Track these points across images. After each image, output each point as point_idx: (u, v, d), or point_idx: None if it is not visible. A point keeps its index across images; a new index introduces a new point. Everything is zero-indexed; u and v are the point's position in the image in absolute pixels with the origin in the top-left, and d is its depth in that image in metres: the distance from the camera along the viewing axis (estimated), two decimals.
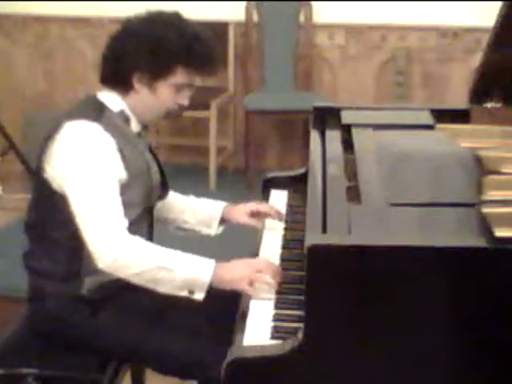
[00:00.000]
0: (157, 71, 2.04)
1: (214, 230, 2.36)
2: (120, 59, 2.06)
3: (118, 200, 1.99)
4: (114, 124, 2.06)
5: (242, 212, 2.34)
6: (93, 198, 1.96)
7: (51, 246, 2.08)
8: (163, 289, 1.96)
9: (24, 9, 5.20)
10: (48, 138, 2.06)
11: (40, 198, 2.11)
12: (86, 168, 1.97)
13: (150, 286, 1.96)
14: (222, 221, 2.36)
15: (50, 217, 2.07)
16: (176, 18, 2.09)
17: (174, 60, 2.04)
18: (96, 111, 2.05)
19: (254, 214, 2.34)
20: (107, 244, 1.93)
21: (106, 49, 2.11)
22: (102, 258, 1.94)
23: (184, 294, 1.96)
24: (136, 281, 1.96)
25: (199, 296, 1.96)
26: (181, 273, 1.94)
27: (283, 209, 2.43)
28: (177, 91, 2.08)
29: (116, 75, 2.08)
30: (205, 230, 2.36)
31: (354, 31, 4.95)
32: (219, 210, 2.36)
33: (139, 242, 1.97)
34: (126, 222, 1.98)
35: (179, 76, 2.06)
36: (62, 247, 2.06)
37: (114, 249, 1.93)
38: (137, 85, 2.07)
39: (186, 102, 2.12)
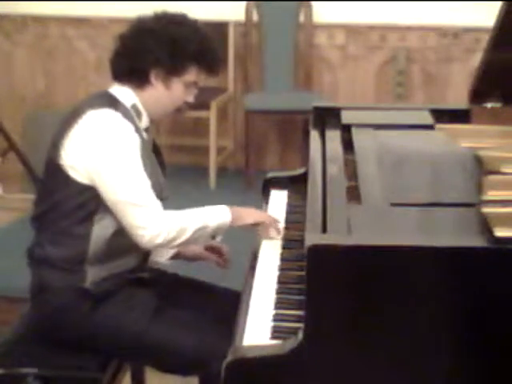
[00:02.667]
0: (174, 69, 2.11)
1: (165, 257, 2.34)
2: (139, 55, 2.11)
3: (148, 182, 2.06)
4: (128, 117, 2.10)
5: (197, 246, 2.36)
6: (135, 184, 2.03)
7: (58, 233, 2.10)
8: (198, 242, 2.18)
9: (24, 9, 5.20)
10: (66, 125, 2.08)
11: (51, 186, 2.12)
12: (121, 155, 2.03)
13: (188, 243, 2.14)
14: (177, 254, 2.36)
15: (59, 204, 2.09)
16: (186, 18, 2.17)
17: (191, 58, 2.11)
18: (112, 103, 2.10)
19: (209, 249, 2.37)
20: (158, 225, 2.02)
21: (121, 45, 2.15)
22: (152, 239, 2.02)
23: (208, 240, 2.21)
24: (177, 247, 2.19)
25: (219, 238, 2.24)
26: (212, 224, 2.11)
27: (283, 209, 2.44)
28: (186, 89, 2.15)
29: (134, 70, 2.13)
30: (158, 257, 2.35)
31: (354, 31, 4.95)
32: None
33: (176, 214, 2.08)
34: (158, 201, 2.07)
35: (191, 74, 2.14)
36: (69, 235, 2.08)
37: (164, 228, 2.02)
38: (154, 80, 2.12)
39: (191, 99, 2.19)
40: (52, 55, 5.32)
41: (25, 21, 5.28)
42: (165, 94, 2.14)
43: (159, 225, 2.02)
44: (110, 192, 2.04)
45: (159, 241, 2.02)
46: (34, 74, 5.35)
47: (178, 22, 2.13)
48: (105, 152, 2.03)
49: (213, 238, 2.17)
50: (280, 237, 2.20)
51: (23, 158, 4.60)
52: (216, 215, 2.12)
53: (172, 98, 2.16)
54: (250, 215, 2.20)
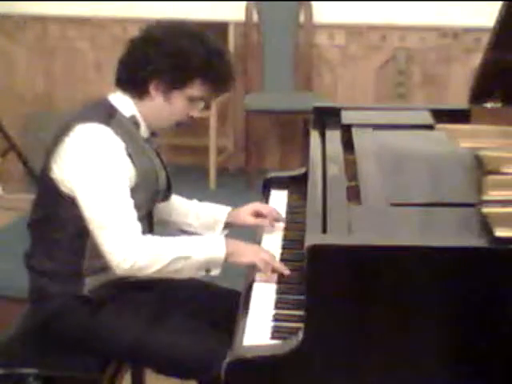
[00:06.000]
0: (175, 81, 2.05)
1: (218, 233, 2.34)
2: (140, 64, 2.05)
3: (131, 204, 2.00)
4: (125, 128, 2.06)
5: (246, 213, 2.34)
6: (108, 205, 1.96)
7: (52, 246, 2.08)
8: (184, 275, 2.02)
9: (24, 9, 5.20)
10: (58, 138, 2.05)
11: (45, 197, 2.11)
12: (100, 174, 1.97)
13: (172, 275, 2.02)
14: (227, 225, 2.36)
15: (53, 216, 2.08)
16: (199, 32, 2.09)
17: (194, 73, 2.05)
18: (107, 114, 2.05)
19: (258, 215, 2.34)
20: (124, 251, 1.94)
21: (126, 53, 2.10)
22: (119, 265, 1.95)
23: (202, 273, 2.03)
24: (158, 276, 2.01)
25: (215, 272, 2.03)
26: (198, 256, 1.99)
27: (283, 209, 2.43)
28: (190, 103, 2.10)
29: (133, 80, 2.08)
30: (208, 234, 2.34)
31: (354, 31, 4.95)
32: (224, 214, 2.36)
33: (152, 240, 1.99)
34: (139, 225, 1.99)
35: (195, 89, 2.07)
36: (64, 247, 2.06)
37: (131, 255, 1.94)
38: (153, 92, 2.07)
39: (196, 114, 2.15)
40: (52, 55, 5.33)
41: (25, 21, 5.29)
42: (165, 106, 2.08)
43: (128, 251, 1.94)
44: (84, 210, 1.99)
45: (126, 267, 1.95)
46: (34, 74, 5.36)
47: (188, 35, 2.06)
48: (84, 170, 1.98)
49: (207, 271, 2.03)
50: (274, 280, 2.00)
51: (23, 158, 4.61)
52: (207, 247, 2.01)
53: (172, 112, 2.10)
54: (248, 254, 2.03)
